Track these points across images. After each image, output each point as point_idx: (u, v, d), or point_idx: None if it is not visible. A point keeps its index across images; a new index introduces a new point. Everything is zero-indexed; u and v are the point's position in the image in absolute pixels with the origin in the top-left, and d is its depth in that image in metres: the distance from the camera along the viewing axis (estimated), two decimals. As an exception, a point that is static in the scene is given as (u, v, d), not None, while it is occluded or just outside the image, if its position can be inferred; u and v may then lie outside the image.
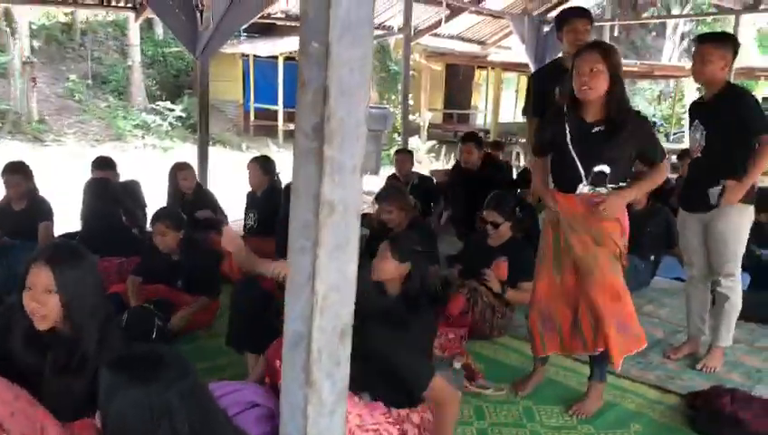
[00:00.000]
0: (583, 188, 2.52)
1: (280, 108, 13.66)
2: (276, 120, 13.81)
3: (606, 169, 2.49)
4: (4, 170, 4.03)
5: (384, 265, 2.52)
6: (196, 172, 5.26)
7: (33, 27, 15.01)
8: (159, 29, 16.66)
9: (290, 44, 12.38)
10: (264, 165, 4.59)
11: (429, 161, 11.86)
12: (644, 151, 2.56)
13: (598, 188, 2.52)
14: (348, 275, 0.94)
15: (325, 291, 0.92)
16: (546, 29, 8.41)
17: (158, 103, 15.23)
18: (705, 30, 20.27)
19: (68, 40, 16.78)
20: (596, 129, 2.50)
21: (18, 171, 4.02)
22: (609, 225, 2.53)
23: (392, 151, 7.54)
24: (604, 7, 10.20)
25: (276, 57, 13.49)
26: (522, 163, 11.34)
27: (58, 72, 15.69)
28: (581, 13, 3.49)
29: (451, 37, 9.13)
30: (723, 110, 2.95)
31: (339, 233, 0.91)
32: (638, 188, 2.61)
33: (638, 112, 2.62)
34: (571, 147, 2.52)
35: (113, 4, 6.49)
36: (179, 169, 4.87)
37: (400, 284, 2.53)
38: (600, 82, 2.42)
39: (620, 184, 2.52)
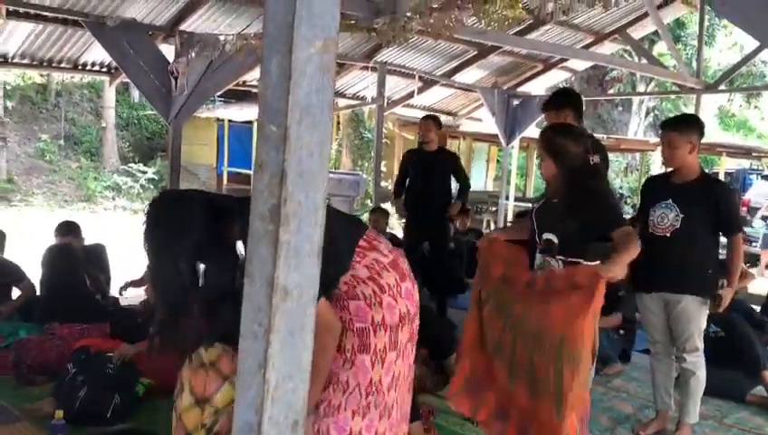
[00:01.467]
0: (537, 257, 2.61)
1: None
2: (249, 183, 13.81)
3: (554, 238, 2.56)
4: None
5: None
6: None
7: (8, 87, 14.99)
8: (135, 92, 16.76)
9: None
10: None
11: (400, 226, 11.90)
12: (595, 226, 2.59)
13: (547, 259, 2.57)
14: (302, 364, 0.90)
15: (277, 380, 0.88)
16: (516, 102, 8.62)
17: (130, 165, 15.19)
18: (670, 106, 21.05)
19: (42, 100, 16.77)
20: (553, 201, 2.71)
21: None
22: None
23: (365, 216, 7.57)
24: (572, 84, 10.53)
25: (251, 122, 13.61)
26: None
27: (30, 131, 15.61)
28: (546, 105, 3.47)
29: (423, 108, 9.30)
30: (704, 200, 3.03)
31: (293, 319, 0.88)
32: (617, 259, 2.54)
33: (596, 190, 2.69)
34: (533, 217, 2.67)
35: (88, 68, 6.50)
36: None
37: None
38: (547, 167, 2.67)
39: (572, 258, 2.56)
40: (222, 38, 5.47)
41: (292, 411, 0.90)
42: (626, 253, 2.48)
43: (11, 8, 5.01)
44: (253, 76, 7.14)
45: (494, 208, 11.79)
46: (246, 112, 13.68)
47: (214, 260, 1.79)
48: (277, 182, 0.84)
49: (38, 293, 4.37)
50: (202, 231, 1.78)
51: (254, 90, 8.46)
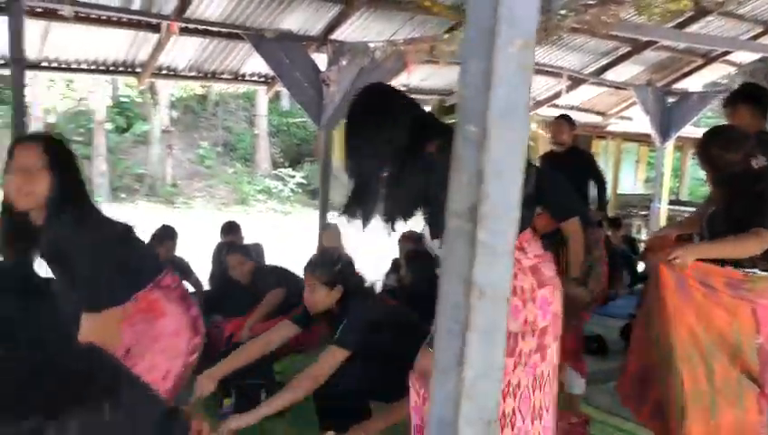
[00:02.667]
0: None
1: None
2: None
3: None
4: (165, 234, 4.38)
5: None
6: (318, 237, 5.44)
7: (173, 99, 16.25)
8: (285, 101, 17.62)
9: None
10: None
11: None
12: None
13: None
14: (495, 363, 0.91)
15: (473, 378, 0.88)
16: (671, 100, 8.16)
17: (280, 170, 15.96)
18: None
19: (202, 110, 18.06)
20: (716, 209, 2.62)
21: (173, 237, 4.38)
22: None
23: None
24: (734, 79, 9.78)
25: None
26: (643, 236, 10.89)
27: (192, 139, 16.86)
28: (724, 103, 3.22)
29: (571, 108, 9.02)
30: None
31: (488, 317, 0.89)
32: None
33: None
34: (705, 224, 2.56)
35: (247, 78, 6.91)
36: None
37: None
38: (707, 176, 2.64)
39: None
40: (372, 45, 5.62)
41: (486, 410, 0.91)
42: None
43: (182, 25, 5.43)
44: (397, 82, 7.28)
45: (643, 212, 11.23)
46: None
47: (403, 167, 1.84)
48: (475, 182, 0.85)
49: (205, 287, 4.72)
50: (403, 136, 1.84)
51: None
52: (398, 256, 5.07)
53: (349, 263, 2.84)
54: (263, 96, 16.56)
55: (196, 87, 16.81)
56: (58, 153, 1.94)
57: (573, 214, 2.78)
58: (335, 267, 2.76)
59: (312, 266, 2.76)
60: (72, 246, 1.83)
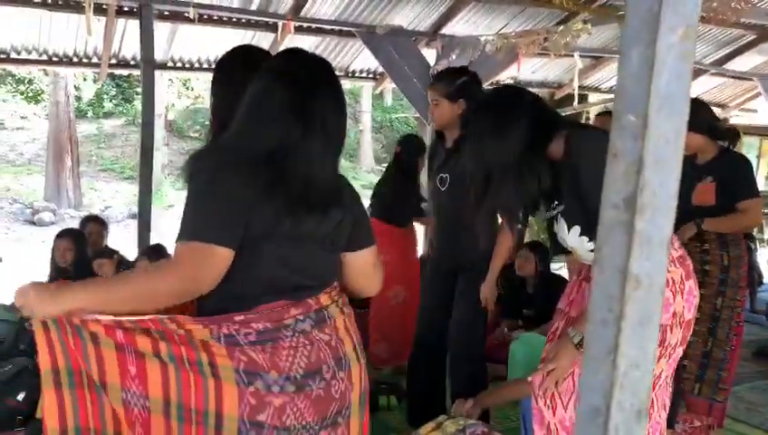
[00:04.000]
0: None
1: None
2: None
3: None
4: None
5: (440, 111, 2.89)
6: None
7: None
8: (389, 96, 17.81)
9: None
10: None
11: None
12: None
13: None
14: (648, 353, 0.90)
15: (626, 367, 0.89)
16: (801, 90, 7.63)
17: (383, 165, 16.13)
18: None
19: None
20: None
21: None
22: None
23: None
24: None
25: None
26: (766, 236, 10.26)
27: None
28: None
29: (688, 100, 8.60)
30: None
31: (643, 308, 0.89)
32: None
33: None
34: None
35: (357, 75, 7.04)
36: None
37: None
38: None
39: None
40: (482, 39, 5.59)
41: (637, 399, 0.91)
42: None
43: (298, 24, 5.60)
44: (506, 75, 7.21)
45: (765, 211, 10.56)
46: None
47: (526, 168, 1.90)
48: (634, 171, 0.85)
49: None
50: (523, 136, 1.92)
51: (507, 88, 8.51)
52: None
53: (474, 76, 2.99)
54: (367, 92, 16.82)
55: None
56: None
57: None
58: (457, 82, 2.88)
59: (436, 80, 2.94)
60: None
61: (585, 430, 0.91)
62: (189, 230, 1.40)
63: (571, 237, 1.98)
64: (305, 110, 1.51)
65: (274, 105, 1.51)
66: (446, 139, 3.03)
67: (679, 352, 1.93)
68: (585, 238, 1.97)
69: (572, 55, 6.44)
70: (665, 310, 1.91)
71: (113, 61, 5.87)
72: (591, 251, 1.97)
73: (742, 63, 7.86)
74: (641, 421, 0.92)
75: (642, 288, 0.88)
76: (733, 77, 8.24)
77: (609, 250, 0.88)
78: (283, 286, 1.49)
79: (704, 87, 8.69)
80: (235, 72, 1.82)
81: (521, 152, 1.88)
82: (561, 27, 5.20)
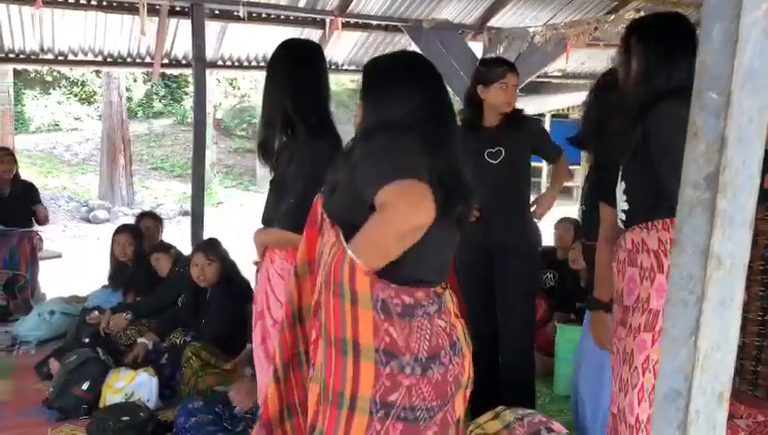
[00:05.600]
0: None
1: (544, 163, 13.57)
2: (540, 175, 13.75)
3: None
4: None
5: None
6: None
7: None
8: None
9: (561, 102, 12.33)
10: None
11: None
12: None
13: None
14: (730, 335, 0.89)
15: (707, 349, 0.87)
16: None
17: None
18: None
19: (353, 103, 18.59)
20: None
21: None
22: None
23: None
24: None
25: (543, 115, 13.52)
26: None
27: (344, 132, 17.42)
28: None
29: None
30: None
31: (724, 289, 0.87)
32: None
33: None
34: None
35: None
36: None
37: None
38: None
39: None
40: (531, 30, 5.53)
41: (718, 382, 0.89)
42: None
43: (345, 20, 5.64)
44: (554, 67, 7.12)
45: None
46: (539, 105, 13.60)
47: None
48: (716, 149, 0.84)
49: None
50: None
51: (555, 81, 8.41)
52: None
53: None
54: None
55: (347, 82, 17.37)
56: None
57: None
58: None
59: (513, 68, 3.12)
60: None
61: (664, 412, 0.91)
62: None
63: (618, 189, 1.99)
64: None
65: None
66: (486, 116, 3.07)
67: (646, 337, 1.89)
68: (624, 197, 1.98)
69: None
70: (629, 291, 1.91)
71: (165, 60, 6.01)
72: (623, 211, 1.98)
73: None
74: (722, 405, 0.91)
75: (724, 269, 0.87)
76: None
77: (690, 230, 0.87)
78: (432, 271, 1.61)
79: None
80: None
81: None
82: (613, 16, 5.10)
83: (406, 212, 1.42)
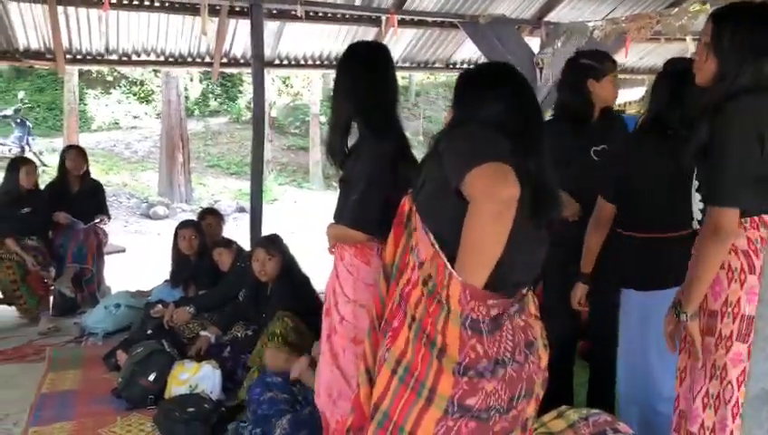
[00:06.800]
0: None
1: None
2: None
3: None
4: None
5: None
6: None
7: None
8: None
9: (619, 97, 12.05)
10: None
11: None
12: None
13: None
14: (825, 336, 0.86)
15: (801, 350, 0.85)
16: None
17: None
18: None
19: (404, 100, 18.61)
20: None
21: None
22: None
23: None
24: None
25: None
26: None
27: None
28: None
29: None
30: None
31: (820, 289, 0.85)
32: None
33: None
34: None
35: (458, 66, 7.02)
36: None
37: None
38: None
39: None
40: (590, 24, 5.44)
41: (812, 385, 0.87)
42: None
43: (401, 17, 5.65)
44: (619, 60, 6.99)
45: None
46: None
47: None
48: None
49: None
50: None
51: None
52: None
53: None
54: (463, 84, 16.64)
55: (401, 78, 17.36)
56: None
57: None
58: None
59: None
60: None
61: (754, 415, 0.89)
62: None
63: (692, 189, 1.98)
64: None
65: None
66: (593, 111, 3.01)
67: (741, 349, 1.81)
68: (699, 196, 1.95)
69: (684, 39, 6.15)
70: (714, 294, 1.84)
71: (224, 60, 6.13)
72: (700, 211, 1.95)
73: None
74: (815, 408, 0.89)
75: (819, 269, 0.85)
76: None
77: (784, 229, 0.85)
78: (522, 271, 1.65)
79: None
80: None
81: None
82: (676, 9, 4.98)
83: (492, 192, 1.45)
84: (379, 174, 2.20)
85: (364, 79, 2.27)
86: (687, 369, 1.97)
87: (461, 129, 1.65)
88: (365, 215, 2.20)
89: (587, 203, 2.81)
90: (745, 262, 1.78)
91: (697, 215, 1.95)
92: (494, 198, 1.44)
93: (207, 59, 6.18)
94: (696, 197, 1.95)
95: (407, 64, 6.81)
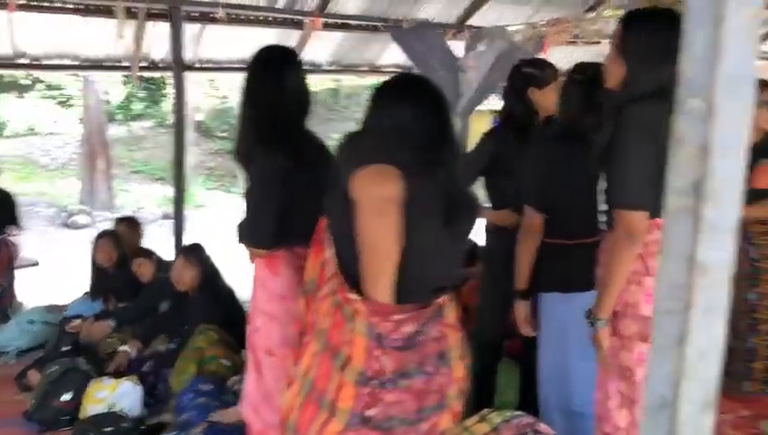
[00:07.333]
0: None
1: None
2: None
3: None
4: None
5: None
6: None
7: (309, 93, 16.83)
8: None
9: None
10: None
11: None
12: None
13: None
14: (716, 343, 0.88)
15: (694, 356, 0.87)
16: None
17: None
18: None
19: (334, 103, 18.58)
20: None
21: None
22: None
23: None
24: None
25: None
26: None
27: (324, 132, 17.40)
28: None
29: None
30: None
31: (710, 296, 0.87)
32: None
33: None
34: None
35: (383, 69, 7.02)
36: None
37: None
38: None
39: None
40: (511, 29, 5.54)
41: (705, 391, 0.89)
42: None
43: (324, 20, 5.61)
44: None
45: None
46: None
47: None
48: (699, 157, 0.83)
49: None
50: None
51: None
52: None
53: None
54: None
55: (328, 81, 17.31)
56: None
57: None
58: None
59: None
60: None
61: (651, 422, 0.90)
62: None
63: (599, 190, 2.02)
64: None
65: None
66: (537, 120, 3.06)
67: (645, 349, 1.86)
68: (604, 197, 1.98)
69: (600, 42, 6.34)
70: (619, 298, 1.89)
71: (144, 63, 5.93)
72: (604, 212, 1.99)
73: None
74: (709, 412, 0.90)
75: (709, 276, 0.86)
76: (768, 59, 8.04)
77: (675, 237, 0.86)
78: (438, 279, 1.66)
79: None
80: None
81: None
82: (592, 14, 5.12)
83: (369, 190, 1.48)
84: (268, 188, 2.14)
85: (260, 87, 2.21)
86: (602, 372, 2.01)
87: (357, 138, 1.66)
88: (257, 231, 2.16)
89: None
90: (642, 264, 1.83)
91: (602, 217, 1.99)
92: (371, 196, 1.47)
93: (126, 63, 5.97)
94: (602, 198, 1.99)
95: (333, 67, 6.77)
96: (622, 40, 1.90)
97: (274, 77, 2.21)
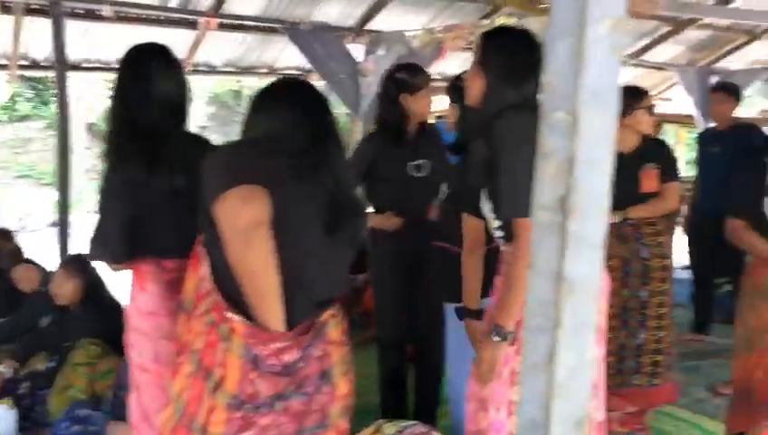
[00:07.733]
0: None
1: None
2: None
3: None
4: None
5: None
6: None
7: (210, 95, 16.41)
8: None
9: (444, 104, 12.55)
10: None
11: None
12: None
13: None
14: (586, 360, 0.87)
15: (564, 375, 0.85)
16: (714, 79, 7.93)
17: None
18: None
19: (236, 105, 18.18)
20: None
21: None
22: None
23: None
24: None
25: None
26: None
27: (227, 134, 16.99)
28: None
29: (609, 91, 8.81)
30: None
31: (579, 313, 0.85)
32: None
33: None
34: None
35: (283, 71, 6.90)
36: None
37: None
38: None
39: None
40: (409, 34, 5.56)
41: (577, 408, 0.87)
42: None
43: (219, 21, 5.44)
44: (434, 71, 7.21)
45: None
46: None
47: None
48: (565, 170, 0.81)
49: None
50: None
51: (436, 84, 8.52)
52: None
53: None
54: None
55: (230, 84, 16.93)
56: None
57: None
58: None
59: None
60: None
61: (524, 443, 0.87)
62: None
63: (486, 208, 1.98)
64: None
65: None
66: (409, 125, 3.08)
67: None
68: (494, 215, 1.95)
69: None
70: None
71: (24, 62, 5.57)
72: (498, 228, 1.96)
73: (659, 54, 8.11)
74: (581, 431, 0.89)
75: (577, 292, 0.84)
76: (651, 67, 8.48)
77: (542, 253, 0.84)
78: (325, 289, 1.61)
79: (623, 77, 8.92)
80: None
81: None
82: (488, 21, 5.22)
83: (230, 222, 1.40)
84: (112, 202, 2.02)
85: (126, 84, 2.09)
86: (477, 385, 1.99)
87: (224, 149, 1.58)
88: (104, 245, 2.03)
89: (406, 215, 2.95)
90: None
91: (498, 233, 1.97)
92: (234, 228, 1.40)
93: (4, 61, 5.58)
94: (492, 216, 1.96)
95: (230, 69, 6.59)
96: (482, 55, 1.91)
97: (142, 78, 2.06)
